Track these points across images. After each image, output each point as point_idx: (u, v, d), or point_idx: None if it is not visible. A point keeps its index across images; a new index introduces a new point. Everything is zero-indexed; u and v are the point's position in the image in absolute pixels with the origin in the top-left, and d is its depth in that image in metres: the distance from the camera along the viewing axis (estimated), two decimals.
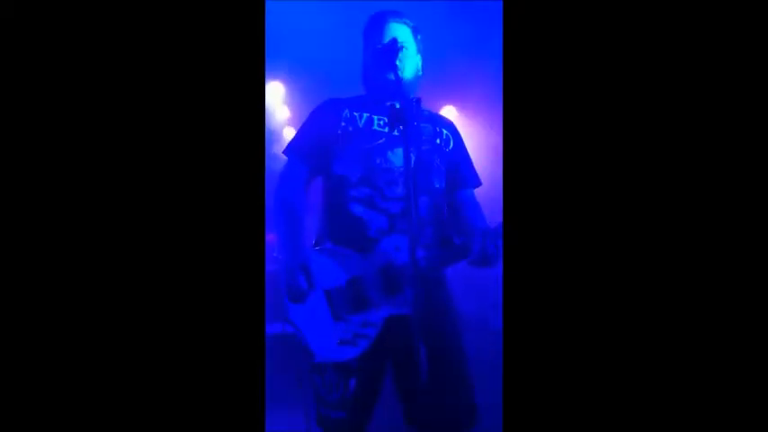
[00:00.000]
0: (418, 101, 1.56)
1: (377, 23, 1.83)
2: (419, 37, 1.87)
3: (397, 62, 1.64)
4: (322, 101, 1.87)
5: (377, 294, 1.62)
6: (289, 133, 5.17)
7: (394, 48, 1.64)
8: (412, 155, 1.54)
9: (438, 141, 1.81)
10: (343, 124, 1.77)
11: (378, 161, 1.72)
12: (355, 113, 1.79)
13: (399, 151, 1.71)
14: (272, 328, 3.10)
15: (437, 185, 1.78)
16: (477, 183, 1.91)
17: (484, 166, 2.06)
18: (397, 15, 1.84)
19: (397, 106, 1.53)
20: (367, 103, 1.83)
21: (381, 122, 1.77)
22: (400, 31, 1.82)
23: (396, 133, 1.73)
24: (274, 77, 4.55)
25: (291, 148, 1.84)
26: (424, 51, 1.92)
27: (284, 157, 1.85)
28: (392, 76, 1.65)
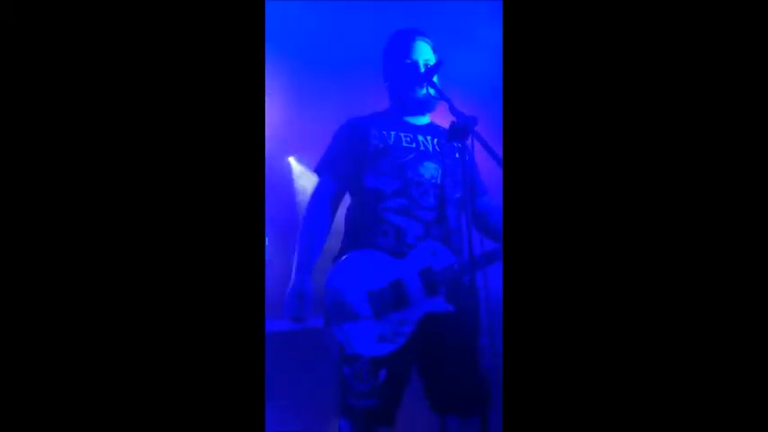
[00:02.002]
0: (476, 119, 1.63)
1: (404, 40, 1.99)
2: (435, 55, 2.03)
3: (435, 79, 1.82)
4: (344, 121, 2.03)
5: (416, 295, 1.79)
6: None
7: (438, 68, 1.81)
8: (464, 168, 1.77)
9: (457, 155, 1.96)
10: (374, 142, 1.92)
11: (410, 174, 1.88)
12: (383, 132, 1.94)
13: (428, 164, 1.91)
14: (273, 325, 3.11)
15: (458, 195, 1.94)
16: (484, 191, 2.07)
17: (483, 167, 2.11)
18: (422, 34, 2.00)
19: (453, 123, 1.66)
20: (389, 121, 1.99)
21: (408, 139, 1.94)
22: (427, 50, 1.99)
23: (457, 155, 1.93)
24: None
25: (323, 166, 1.98)
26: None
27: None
28: (434, 93, 1.80)
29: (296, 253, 1.87)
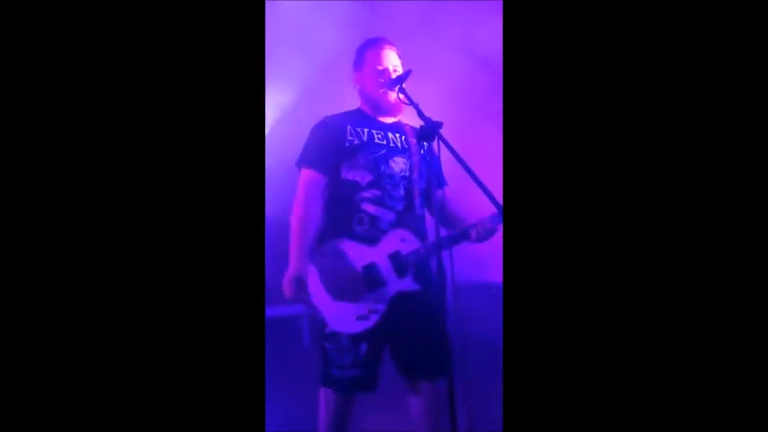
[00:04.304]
0: (441, 124, 1.87)
1: (375, 49, 2.22)
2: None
3: (404, 85, 2.02)
4: (320, 119, 2.22)
5: (387, 276, 2.03)
6: None
7: (407, 76, 2.03)
8: (422, 164, 2.07)
9: (422, 152, 2.23)
10: (350, 138, 2.14)
11: (382, 168, 2.12)
12: (357, 129, 2.17)
13: (398, 159, 2.16)
14: (272, 311, 3.13)
15: (423, 187, 2.21)
16: (444, 183, 2.28)
17: (484, 166, 2.17)
18: (390, 43, 2.25)
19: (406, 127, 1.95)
20: (362, 119, 2.21)
21: (379, 136, 2.17)
22: (394, 57, 2.22)
23: (422, 151, 2.20)
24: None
25: (307, 159, 2.16)
26: (423, 52, 2.19)
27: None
28: (402, 97, 2.02)
29: (291, 241, 2.06)
